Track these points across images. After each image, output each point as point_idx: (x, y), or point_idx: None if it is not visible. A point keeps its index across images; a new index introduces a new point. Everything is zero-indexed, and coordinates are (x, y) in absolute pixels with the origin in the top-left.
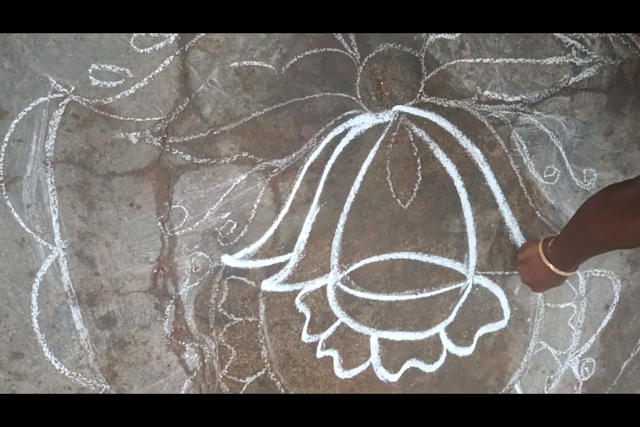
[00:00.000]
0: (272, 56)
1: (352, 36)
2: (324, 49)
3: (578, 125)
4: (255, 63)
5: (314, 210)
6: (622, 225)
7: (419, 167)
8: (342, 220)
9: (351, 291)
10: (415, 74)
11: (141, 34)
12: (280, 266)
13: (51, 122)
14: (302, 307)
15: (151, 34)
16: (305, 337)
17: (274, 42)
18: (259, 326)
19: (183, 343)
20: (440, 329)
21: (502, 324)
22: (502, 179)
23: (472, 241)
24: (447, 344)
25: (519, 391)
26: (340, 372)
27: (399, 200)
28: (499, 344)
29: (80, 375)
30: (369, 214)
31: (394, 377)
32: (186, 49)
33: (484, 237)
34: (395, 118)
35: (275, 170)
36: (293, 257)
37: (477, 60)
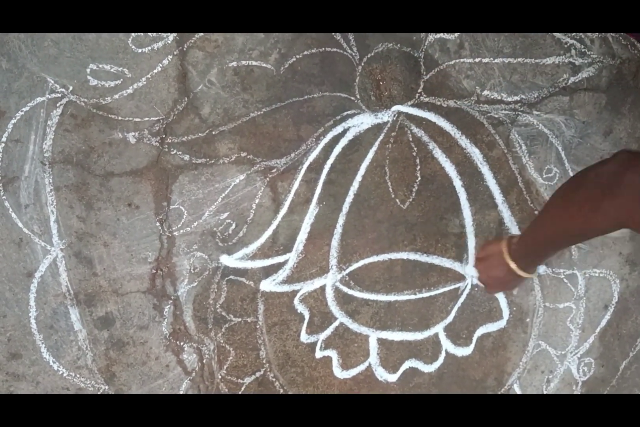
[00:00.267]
0: (270, 56)
1: (351, 36)
2: (323, 48)
3: (577, 125)
4: (254, 63)
5: (312, 210)
6: (595, 204)
7: (418, 167)
8: (341, 220)
9: (350, 291)
10: (414, 73)
11: (139, 33)
12: (279, 266)
13: (49, 122)
14: (301, 308)
15: (149, 33)
16: (304, 337)
17: (273, 42)
18: (257, 326)
19: (182, 343)
20: (439, 329)
21: (501, 324)
22: (501, 179)
23: (471, 241)
24: (446, 344)
25: (517, 391)
26: (339, 373)
27: (398, 200)
28: (498, 344)
29: (78, 376)
30: (368, 214)
31: (393, 378)
32: (185, 49)
33: (483, 237)
34: (394, 118)
35: (274, 171)
36: (292, 258)
37: (477, 60)
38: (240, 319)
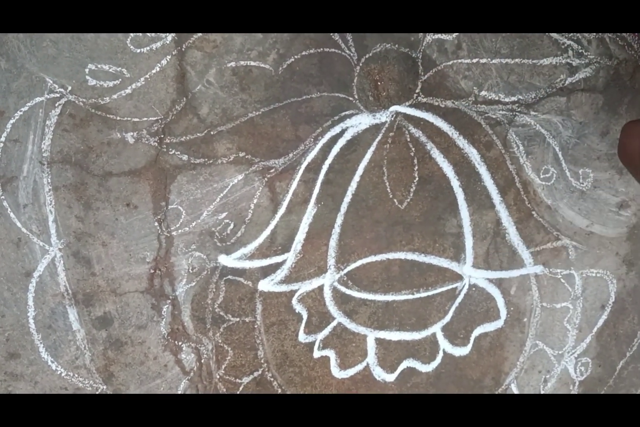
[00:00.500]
0: (269, 56)
1: (349, 36)
2: (321, 49)
3: (574, 125)
4: (252, 63)
5: (311, 210)
6: None
7: (416, 167)
8: (339, 220)
9: (348, 291)
10: (412, 74)
11: (138, 34)
12: (277, 266)
13: (48, 122)
14: (299, 307)
15: (148, 34)
16: (302, 337)
17: (271, 42)
18: (255, 326)
19: (180, 343)
20: (436, 329)
21: (498, 323)
22: (498, 179)
23: (468, 241)
24: (444, 344)
25: (515, 391)
26: (337, 372)
27: (395, 200)
28: (496, 343)
29: (76, 375)
30: (366, 214)
31: (390, 377)
32: (183, 49)
33: (480, 237)
34: (392, 118)
35: (272, 171)
36: (290, 258)
37: (474, 60)
38: (238, 319)
